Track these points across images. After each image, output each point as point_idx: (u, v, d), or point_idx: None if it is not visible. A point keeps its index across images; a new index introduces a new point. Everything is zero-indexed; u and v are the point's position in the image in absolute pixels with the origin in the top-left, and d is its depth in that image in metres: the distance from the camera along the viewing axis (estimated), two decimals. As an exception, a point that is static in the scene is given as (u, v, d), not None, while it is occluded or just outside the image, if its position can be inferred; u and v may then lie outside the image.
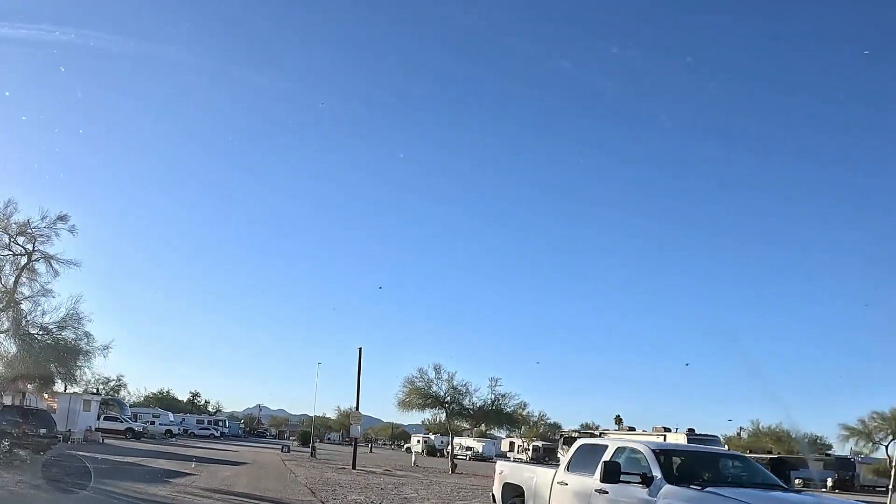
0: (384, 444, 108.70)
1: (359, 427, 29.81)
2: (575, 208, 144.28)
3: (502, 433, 55.66)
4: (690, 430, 36.89)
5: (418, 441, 77.85)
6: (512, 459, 51.19)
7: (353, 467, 29.98)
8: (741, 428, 70.92)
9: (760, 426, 62.06)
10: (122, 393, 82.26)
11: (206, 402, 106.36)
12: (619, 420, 69.54)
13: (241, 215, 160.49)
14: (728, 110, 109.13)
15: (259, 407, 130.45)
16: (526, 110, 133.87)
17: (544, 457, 76.21)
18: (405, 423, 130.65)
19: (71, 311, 22.98)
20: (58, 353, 22.65)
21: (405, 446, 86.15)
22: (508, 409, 35.70)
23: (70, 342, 23.17)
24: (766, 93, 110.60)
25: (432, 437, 75.54)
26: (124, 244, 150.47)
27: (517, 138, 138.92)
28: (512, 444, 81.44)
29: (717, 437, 36.45)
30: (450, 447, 37.10)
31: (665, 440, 37.45)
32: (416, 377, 35.59)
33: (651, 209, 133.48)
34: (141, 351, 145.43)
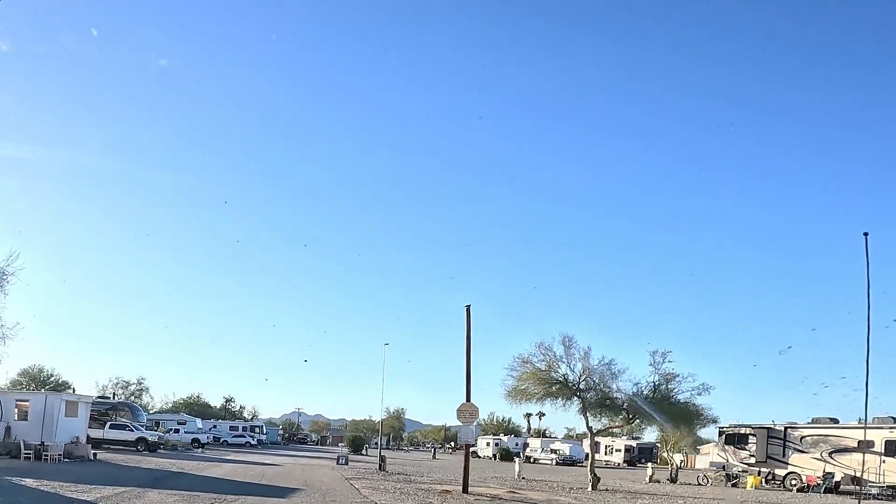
0: (429, 448, 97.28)
1: (472, 428, 18.75)
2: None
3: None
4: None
5: (487, 444, 66.52)
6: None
7: (466, 490, 18.76)
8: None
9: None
10: (145, 398, 72.84)
11: (241, 407, 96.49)
12: None
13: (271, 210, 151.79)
14: None
15: (298, 412, 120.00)
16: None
17: (639, 458, 64.18)
18: (454, 425, 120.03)
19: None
20: None
21: (471, 450, 74.52)
22: (680, 399, 23.83)
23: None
24: None
25: (505, 438, 63.89)
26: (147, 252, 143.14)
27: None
28: (597, 443, 69.25)
29: None
30: (590, 454, 25.43)
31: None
32: (535, 355, 24.30)
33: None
34: (170, 354, 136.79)
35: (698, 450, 68.57)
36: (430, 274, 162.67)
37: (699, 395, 23.50)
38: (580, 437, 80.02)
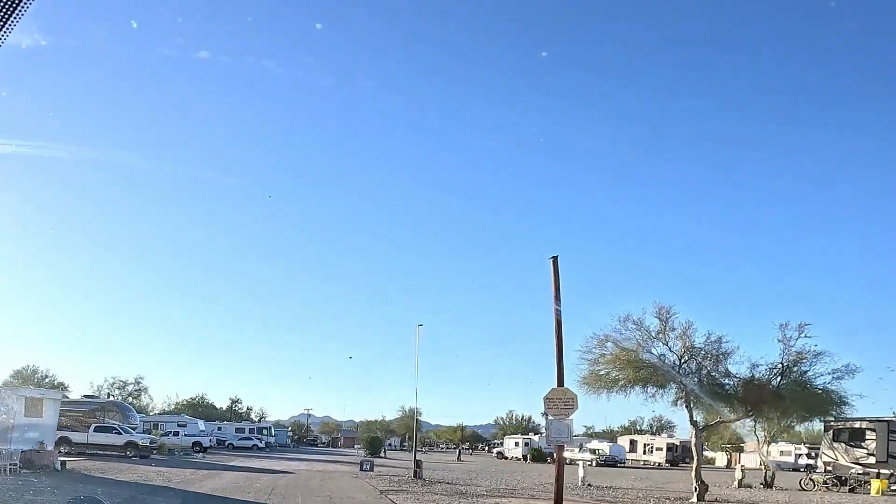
0: (444, 449, 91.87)
1: (568, 423, 13.37)
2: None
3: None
4: None
5: (516, 444, 61.07)
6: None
7: (558, 509, 13.39)
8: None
9: None
10: (144, 399, 67.69)
11: (247, 409, 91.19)
12: None
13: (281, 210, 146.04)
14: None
15: (307, 413, 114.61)
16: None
17: (683, 458, 58.66)
18: (473, 423, 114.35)
19: None
20: None
21: (496, 451, 69.20)
22: (817, 384, 18.29)
23: None
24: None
25: (535, 437, 58.33)
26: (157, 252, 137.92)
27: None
28: (633, 442, 63.91)
29: None
30: (696, 456, 19.69)
31: None
32: (621, 332, 18.93)
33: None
34: (173, 356, 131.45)
35: (741, 447, 63.18)
36: (439, 275, 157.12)
37: (839, 378, 18.04)
38: (598, 436, 74.60)
